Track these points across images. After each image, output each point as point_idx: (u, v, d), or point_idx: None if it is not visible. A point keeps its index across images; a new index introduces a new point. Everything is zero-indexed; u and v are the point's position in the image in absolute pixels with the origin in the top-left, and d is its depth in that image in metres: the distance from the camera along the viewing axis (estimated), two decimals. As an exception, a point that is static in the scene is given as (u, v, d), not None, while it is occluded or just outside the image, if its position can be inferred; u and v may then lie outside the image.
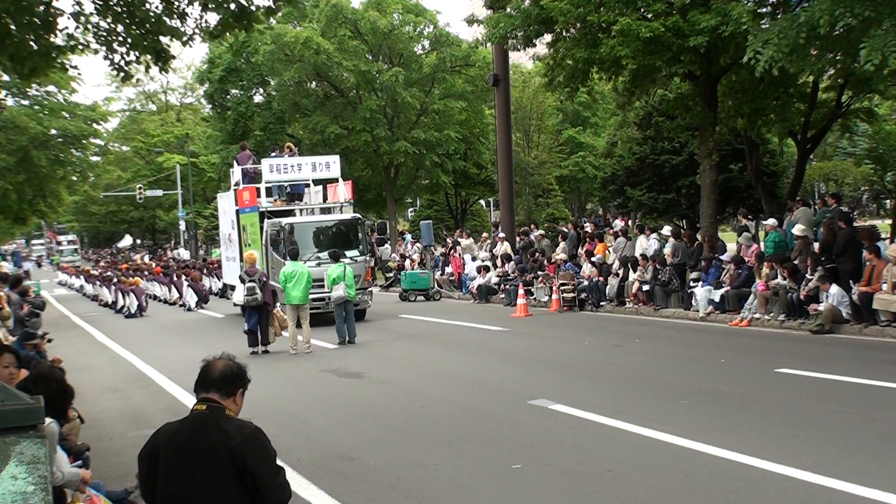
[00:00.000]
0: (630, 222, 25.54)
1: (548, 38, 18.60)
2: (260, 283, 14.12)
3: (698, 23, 15.47)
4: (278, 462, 3.58)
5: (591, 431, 7.64)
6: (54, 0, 7.39)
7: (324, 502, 6.18)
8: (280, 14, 8.47)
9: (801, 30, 11.86)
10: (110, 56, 7.97)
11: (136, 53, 7.98)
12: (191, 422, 3.53)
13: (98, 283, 33.28)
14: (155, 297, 29.81)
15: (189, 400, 10.13)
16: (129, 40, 7.84)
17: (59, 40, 7.81)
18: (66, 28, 7.77)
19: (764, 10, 16.21)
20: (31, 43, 7.40)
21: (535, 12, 17.32)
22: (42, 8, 7.20)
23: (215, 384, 3.59)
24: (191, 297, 25.77)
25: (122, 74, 8.28)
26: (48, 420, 4.44)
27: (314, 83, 37.54)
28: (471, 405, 9.16)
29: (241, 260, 19.99)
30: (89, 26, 7.78)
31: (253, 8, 7.89)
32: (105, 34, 7.85)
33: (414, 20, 36.52)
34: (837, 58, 14.20)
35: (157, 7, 7.87)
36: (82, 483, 5.21)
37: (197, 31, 8.11)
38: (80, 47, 8.04)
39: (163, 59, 8.13)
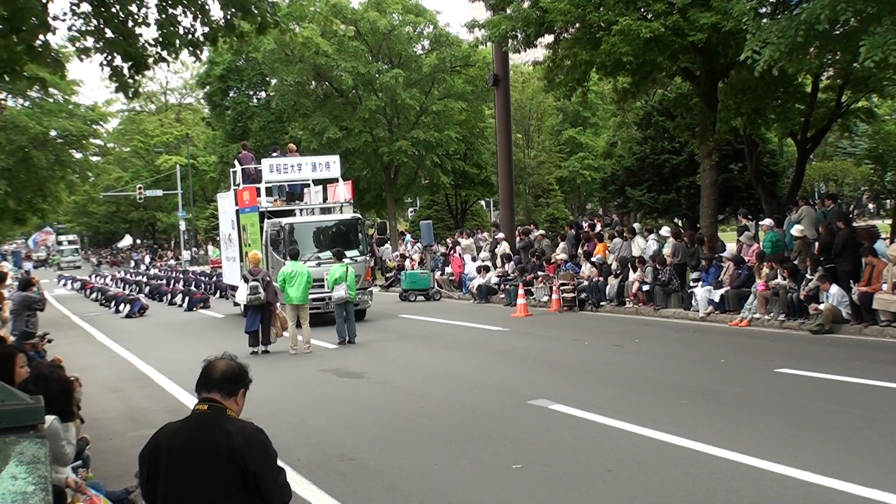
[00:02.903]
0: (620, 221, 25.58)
1: (548, 38, 18.60)
2: (263, 283, 14.12)
3: (698, 20, 15.49)
4: (279, 463, 3.58)
5: (591, 431, 7.64)
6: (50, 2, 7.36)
7: (324, 502, 6.18)
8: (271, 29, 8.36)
9: (800, 28, 11.87)
10: (109, 60, 7.92)
11: (117, 54, 7.91)
12: (192, 422, 3.53)
13: (102, 278, 33.33)
14: (153, 297, 29.85)
15: (189, 400, 10.15)
16: (115, 41, 7.79)
17: (52, 39, 7.81)
18: (58, 24, 7.74)
19: (764, 9, 16.21)
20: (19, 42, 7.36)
21: (534, 15, 17.32)
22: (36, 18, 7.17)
23: (217, 384, 3.58)
24: (184, 300, 25.85)
25: (124, 82, 8.21)
26: (50, 417, 4.45)
27: (314, 83, 37.54)
28: (471, 405, 9.16)
29: (241, 260, 20.02)
30: (82, 25, 7.74)
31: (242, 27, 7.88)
32: (97, 36, 7.80)
33: (414, 20, 36.52)
34: (837, 57, 14.21)
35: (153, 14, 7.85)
36: (82, 483, 5.21)
37: (185, 41, 8.06)
38: (74, 49, 8.01)
39: (139, 66, 8.05)
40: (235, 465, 3.37)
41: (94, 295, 33.78)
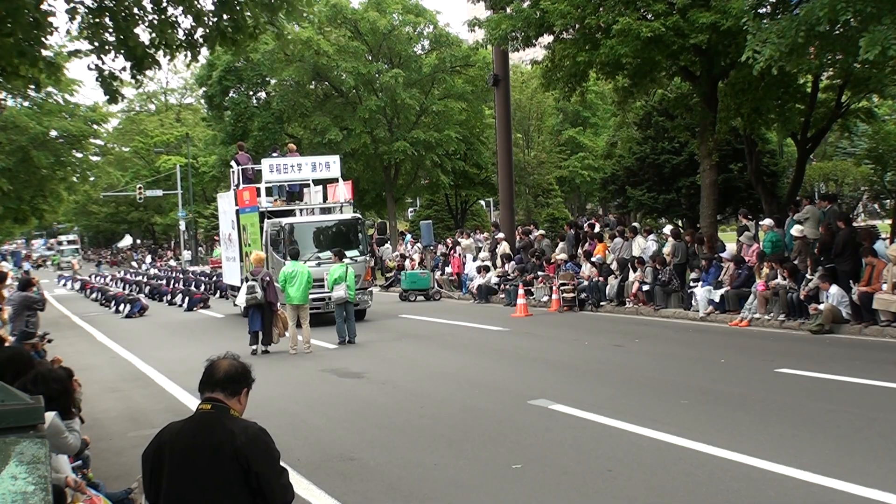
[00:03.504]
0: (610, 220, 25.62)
1: (548, 38, 18.60)
2: (263, 283, 14.08)
3: (698, 21, 15.49)
4: (282, 464, 3.58)
5: (591, 431, 7.64)
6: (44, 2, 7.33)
7: (324, 502, 6.18)
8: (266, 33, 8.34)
9: (800, 28, 11.87)
10: (98, 63, 7.87)
11: (118, 55, 7.88)
12: (196, 421, 3.53)
13: (102, 278, 33.36)
14: (153, 297, 29.87)
15: (189, 400, 10.16)
16: (114, 42, 7.76)
17: (50, 41, 7.79)
18: (57, 27, 7.72)
19: (763, 9, 16.22)
20: (22, 44, 7.34)
21: (535, 16, 17.32)
22: (32, 17, 7.14)
23: (220, 384, 3.58)
24: (184, 300, 25.90)
25: (111, 88, 8.16)
26: (51, 414, 4.45)
27: (314, 83, 37.54)
28: (471, 405, 9.16)
29: (242, 260, 20.03)
30: (78, 23, 7.72)
31: (238, 35, 7.85)
32: (92, 34, 7.77)
33: (414, 20, 36.52)
34: (838, 57, 14.21)
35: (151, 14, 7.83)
36: (82, 482, 5.20)
37: (182, 43, 8.04)
38: (70, 52, 8.01)
39: (140, 66, 8.02)
40: (238, 465, 3.37)
41: (94, 295, 33.80)
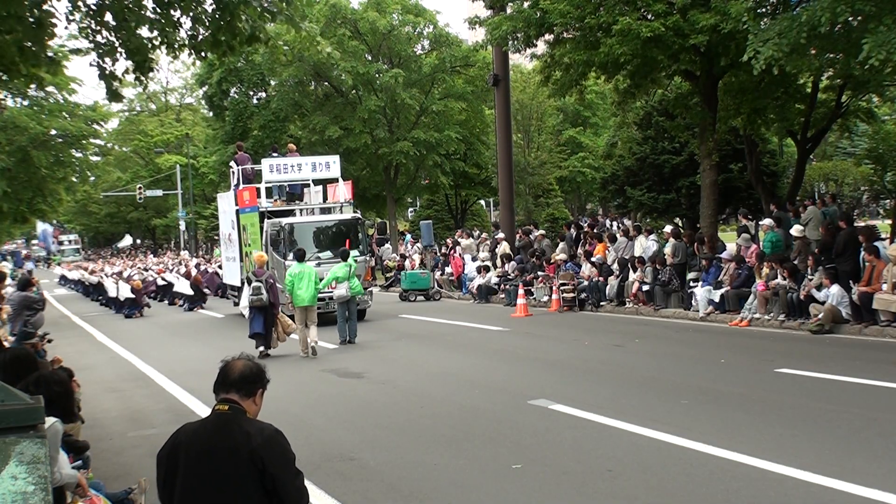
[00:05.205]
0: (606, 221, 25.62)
1: (548, 37, 18.59)
2: (267, 285, 13.98)
3: (698, 22, 15.49)
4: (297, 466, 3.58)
5: (591, 431, 7.64)
6: (45, 3, 7.30)
7: (324, 502, 6.18)
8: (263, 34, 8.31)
9: (801, 29, 11.87)
10: (100, 62, 7.85)
11: (121, 55, 7.86)
12: (212, 422, 3.52)
13: (100, 276, 33.39)
14: (156, 298, 29.90)
15: (189, 400, 10.18)
16: (117, 43, 7.74)
17: (52, 41, 7.75)
18: (58, 25, 7.69)
19: (763, 10, 16.22)
20: (23, 45, 7.32)
21: (535, 16, 17.32)
22: (35, 11, 7.12)
23: (235, 384, 3.57)
24: (188, 291, 26.03)
25: (112, 87, 8.13)
26: (53, 419, 4.44)
27: (313, 84, 37.55)
28: (471, 405, 9.16)
29: (242, 260, 20.02)
30: (80, 23, 7.70)
31: (236, 39, 7.81)
32: (93, 34, 7.75)
33: (413, 20, 36.50)
34: (838, 57, 14.21)
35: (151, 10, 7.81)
36: (80, 487, 5.18)
37: (186, 43, 8.03)
38: (72, 51, 7.99)
39: (143, 67, 8.00)
40: (254, 467, 3.37)
41: (93, 294, 33.79)
